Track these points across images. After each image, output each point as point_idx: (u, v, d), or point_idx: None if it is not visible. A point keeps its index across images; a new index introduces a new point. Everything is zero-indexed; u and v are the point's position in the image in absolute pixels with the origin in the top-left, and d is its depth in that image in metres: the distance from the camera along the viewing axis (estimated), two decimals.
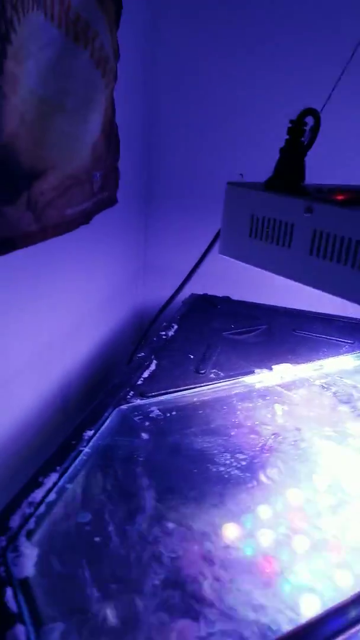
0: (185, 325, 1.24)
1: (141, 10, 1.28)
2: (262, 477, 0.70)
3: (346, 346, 1.17)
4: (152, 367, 1.01)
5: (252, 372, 1.02)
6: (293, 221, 0.65)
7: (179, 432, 0.79)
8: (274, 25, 1.31)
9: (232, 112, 1.42)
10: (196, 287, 1.54)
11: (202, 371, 1.01)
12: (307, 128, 0.71)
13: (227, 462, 0.72)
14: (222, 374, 1.01)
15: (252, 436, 0.79)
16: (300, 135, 0.70)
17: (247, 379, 0.99)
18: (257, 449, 0.76)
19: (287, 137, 0.71)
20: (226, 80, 1.39)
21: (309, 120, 0.71)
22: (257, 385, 0.97)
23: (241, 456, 0.73)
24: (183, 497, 0.65)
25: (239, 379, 0.99)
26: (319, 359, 1.09)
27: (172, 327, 1.21)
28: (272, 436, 0.79)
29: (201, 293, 1.45)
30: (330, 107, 0.87)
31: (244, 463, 0.72)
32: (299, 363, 1.06)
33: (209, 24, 1.36)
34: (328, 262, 0.61)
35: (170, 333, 1.18)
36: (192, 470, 0.70)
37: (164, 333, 1.17)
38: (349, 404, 0.92)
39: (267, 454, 0.74)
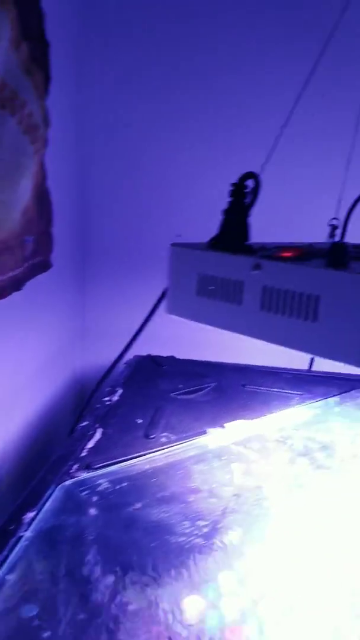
0: (130, 388, 1.18)
1: (70, 77, 1.31)
2: (226, 542, 0.64)
3: (296, 398, 1.15)
4: (97, 435, 0.94)
5: (204, 433, 0.97)
6: (242, 278, 0.64)
7: (131, 504, 0.72)
8: (206, 92, 1.38)
9: (166, 173, 1.45)
10: (138, 348, 1.50)
11: (152, 436, 0.95)
12: (249, 190, 0.71)
13: (187, 531, 0.65)
14: (173, 437, 0.95)
15: (212, 500, 0.73)
16: (242, 197, 0.70)
17: (200, 440, 0.94)
18: (219, 513, 0.70)
19: (229, 199, 0.71)
20: (159, 142, 1.43)
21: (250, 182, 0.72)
22: (211, 446, 0.92)
23: (202, 523, 0.67)
24: (142, 575, 0.58)
25: (192, 441, 0.93)
26: (271, 413, 1.06)
27: (116, 391, 1.15)
28: (233, 497, 0.73)
29: (144, 354, 1.41)
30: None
31: (205, 530, 0.66)
32: (251, 418, 1.03)
33: (140, 88, 1.40)
34: (280, 316, 0.61)
35: (115, 398, 1.12)
36: (149, 544, 0.63)
37: (107, 399, 1.11)
38: (306, 456, 0.89)
39: (231, 517, 0.68)
